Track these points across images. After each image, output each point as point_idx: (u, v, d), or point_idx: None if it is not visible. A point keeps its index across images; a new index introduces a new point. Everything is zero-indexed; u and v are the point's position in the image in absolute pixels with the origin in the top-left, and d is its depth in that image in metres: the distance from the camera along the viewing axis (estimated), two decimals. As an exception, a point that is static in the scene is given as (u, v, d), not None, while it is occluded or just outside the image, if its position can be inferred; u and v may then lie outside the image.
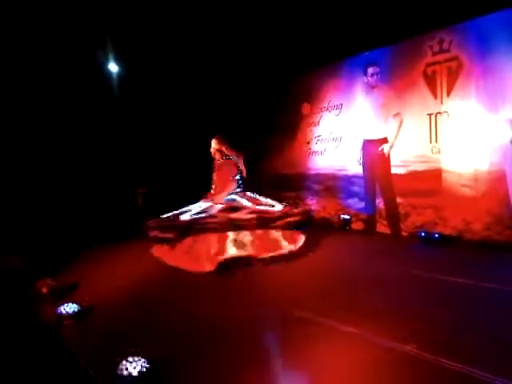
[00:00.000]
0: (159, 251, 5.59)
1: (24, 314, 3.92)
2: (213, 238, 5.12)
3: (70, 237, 7.19)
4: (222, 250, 5.04)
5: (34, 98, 7.29)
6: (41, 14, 6.61)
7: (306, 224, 5.82)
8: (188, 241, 5.30)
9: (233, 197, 5.79)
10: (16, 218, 6.79)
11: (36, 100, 7.33)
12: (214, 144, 6.22)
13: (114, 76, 8.22)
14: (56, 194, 7.45)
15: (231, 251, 5.01)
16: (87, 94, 7.86)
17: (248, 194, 6.02)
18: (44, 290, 4.33)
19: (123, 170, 8.56)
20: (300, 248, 5.57)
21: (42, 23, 6.73)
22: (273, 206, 5.73)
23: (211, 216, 5.34)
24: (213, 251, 5.04)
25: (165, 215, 5.85)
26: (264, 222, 5.24)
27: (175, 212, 5.84)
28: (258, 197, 5.99)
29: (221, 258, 4.97)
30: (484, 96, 5.63)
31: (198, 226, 5.23)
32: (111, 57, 8.06)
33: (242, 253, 5.04)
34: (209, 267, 4.92)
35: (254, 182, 6.27)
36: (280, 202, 6.03)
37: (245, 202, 5.60)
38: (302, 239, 5.62)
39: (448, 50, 5.96)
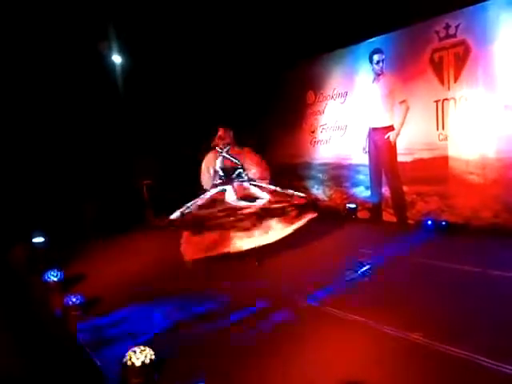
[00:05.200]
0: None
1: (29, 305, 3.95)
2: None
3: (77, 228, 7.24)
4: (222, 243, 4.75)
5: (38, 91, 7.29)
6: (43, 4, 6.57)
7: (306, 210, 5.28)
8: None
9: (224, 187, 5.31)
10: (24, 209, 6.84)
11: (41, 94, 7.33)
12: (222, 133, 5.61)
13: (119, 67, 8.19)
14: (63, 185, 7.49)
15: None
16: (93, 86, 7.84)
17: (244, 184, 5.44)
18: (51, 280, 4.35)
19: (128, 162, 8.57)
20: (305, 238, 5.45)
21: (44, 13, 6.70)
22: (258, 198, 5.15)
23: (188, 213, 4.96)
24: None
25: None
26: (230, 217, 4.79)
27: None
28: (252, 187, 5.39)
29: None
30: (492, 81, 5.53)
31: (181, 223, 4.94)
32: (114, 48, 8.03)
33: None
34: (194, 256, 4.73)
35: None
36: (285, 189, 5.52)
37: (230, 196, 5.10)
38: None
39: (454, 35, 5.84)
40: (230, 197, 5.06)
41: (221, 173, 5.49)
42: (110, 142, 8.23)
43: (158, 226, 5.23)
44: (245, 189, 5.33)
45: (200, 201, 5.18)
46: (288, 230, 4.96)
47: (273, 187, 5.47)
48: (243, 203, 4.96)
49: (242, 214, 4.78)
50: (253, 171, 5.47)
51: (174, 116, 8.79)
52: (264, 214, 4.84)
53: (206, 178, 5.60)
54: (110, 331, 3.29)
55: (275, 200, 5.05)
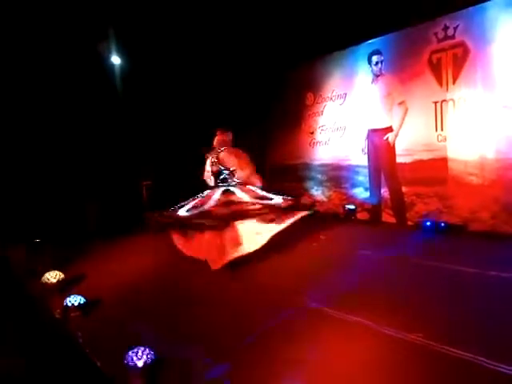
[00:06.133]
0: (178, 240, 5.38)
1: (29, 305, 3.95)
2: (217, 236, 4.82)
3: (76, 229, 7.24)
4: (231, 248, 4.77)
5: (40, 92, 7.29)
6: (43, 5, 6.58)
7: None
8: (193, 235, 5.12)
9: (231, 189, 5.37)
10: (25, 210, 6.84)
11: (41, 94, 7.32)
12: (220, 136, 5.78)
13: (117, 68, 8.19)
14: (62, 186, 7.48)
15: (241, 249, 4.76)
16: (91, 87, 7.85)
17: (248, 186, 5.57)
18: (51, 281, 4.35)
19: (128, 163, 8.57)
20: (304, 239, 5.47)
21: (43, 14, 6.70)
22: (271, 199, 5.31)
23: (205, 212, 4.94)
24: (220, 250, 4.78)
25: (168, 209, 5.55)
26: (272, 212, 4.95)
27: (176, 206, 5.54)
28: (257, 190, 5.55)
29: (230, 256, 4.72)
30: (490, 82, 5.54)
31: (195, 224, 4.93)
32: (114, 49, 8.03)
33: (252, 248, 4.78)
34: (217, 265, 4.70)
35: (258, 173, 6.11)
36: (280, 194, 5.63)
37: (243, 196, 5.19)
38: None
39: (453, 37, 5.86)
40: (244, 197, 5.11)
41: (210, 175, 5.55)
42: (110, 142, 8.23)
43: (156, 225, 5.19)
44: (251, 191, 5.44)
45: (212, 202, 5.16)
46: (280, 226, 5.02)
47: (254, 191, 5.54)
48: (261, 201, 5.10)
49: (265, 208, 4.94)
50: (242, 174, 5.54)
51: (174, 117, 8.79)
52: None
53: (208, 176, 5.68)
54: (110, 332, 3.29)
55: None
